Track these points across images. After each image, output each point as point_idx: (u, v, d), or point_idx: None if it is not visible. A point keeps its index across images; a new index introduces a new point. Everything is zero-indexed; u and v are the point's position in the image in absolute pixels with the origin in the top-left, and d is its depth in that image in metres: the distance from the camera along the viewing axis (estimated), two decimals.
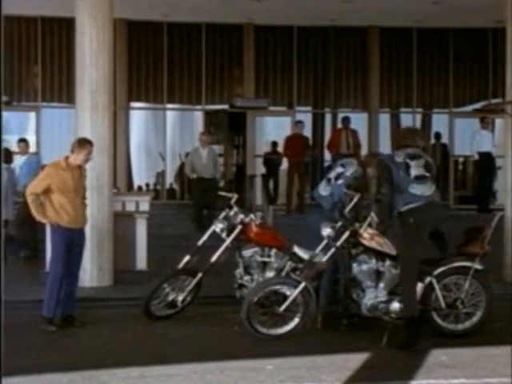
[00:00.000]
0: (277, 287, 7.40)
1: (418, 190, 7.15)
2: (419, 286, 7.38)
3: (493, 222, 7.69)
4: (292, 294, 7.29)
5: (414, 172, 7.18)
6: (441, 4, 14.76)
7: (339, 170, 8.33)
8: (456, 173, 17.99)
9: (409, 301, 7.18)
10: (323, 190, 8.34)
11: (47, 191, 7.80)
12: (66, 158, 7.95)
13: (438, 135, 17.71)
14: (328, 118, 18.31)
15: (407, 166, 7.18)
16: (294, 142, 15.23)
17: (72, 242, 7.91)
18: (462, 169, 18.26)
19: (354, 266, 7.40)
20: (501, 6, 11.00)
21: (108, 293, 9.75)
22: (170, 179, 17.78)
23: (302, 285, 7.30)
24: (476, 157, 15.91)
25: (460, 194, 17.72)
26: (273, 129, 18.38)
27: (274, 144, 17.24)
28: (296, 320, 7.36)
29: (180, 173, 17.11)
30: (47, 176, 7.90)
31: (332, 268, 7.68)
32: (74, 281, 8.10)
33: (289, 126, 17.49)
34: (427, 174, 7.26)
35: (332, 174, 8.37)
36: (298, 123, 15.83)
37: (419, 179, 7.18)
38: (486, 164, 15.29)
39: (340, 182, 8.21)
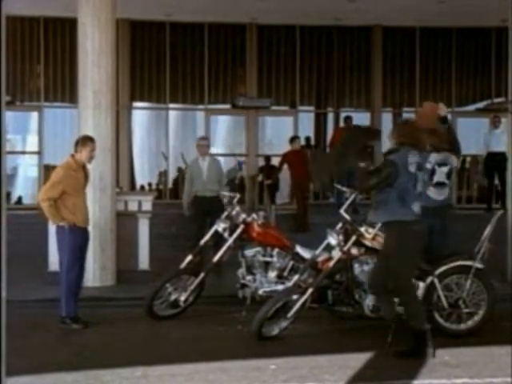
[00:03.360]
0: (287, 299, 7.39)
1: None
2: (421, 286, 7.39)
3: (492, 221, 7.69)
4: (299, 300, 7.27)
5: None
6: (445, 3, 14.74)
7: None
8: (461, 172, 18.00)
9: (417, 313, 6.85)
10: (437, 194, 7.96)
11: (61, 194, 7.79)
12: (73, 157, 7.99)
13: None
14: (331, 117, 18.31)
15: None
16: (293, 158, 14.16)
17: (86, 241, 8.04)
18: (468, 168, 18.25)
19: (356, 266, 7.40)
20: (504, 6, 10.99)
21: (111, 292, 9.76)
22: (172, 179, 17.78)
23: (309, 291, 7.29)
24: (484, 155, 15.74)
25: (464, 194, 17.74)
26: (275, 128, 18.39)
27: (268, 158, 17.17)
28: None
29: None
30: (63, 178, 7.85)
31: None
32: (82, 279, 8.20)
33: (291, 125, 17.53)
34: None
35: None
36: (295, 139, 14.61)
37: None
38: (500, 163, 14.77)
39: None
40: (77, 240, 7.87)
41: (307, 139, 17.33)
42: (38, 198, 7.94)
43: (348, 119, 15.61)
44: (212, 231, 8.63)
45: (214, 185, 11.05)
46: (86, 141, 8.05)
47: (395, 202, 6.62)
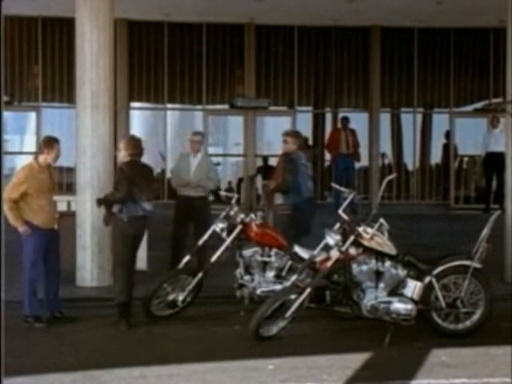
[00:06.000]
0: (285, 298, 7.39)
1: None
2: (418, 286, 7.40)
3: (489, 221, 7.70)
4: (297, 300, 7.27)
5: None
6: (444, 4, 14.75)
7: None
8: (460, 172, 18.02)
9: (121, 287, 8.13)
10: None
11: (24, 195, 7.83)
12: (36, 159, 8.07)
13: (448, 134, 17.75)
14: (329, 117, 18.30)
15: None
16: None
17: (50, 241, 8.04)
18: (466, 168, 18.27)
19: (354, 266, 7.39)
20: (503, 6, 11.00)
21: (108, 292, 9.73)
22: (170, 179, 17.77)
23: (307, 291, 7.29)
24: (483, 156, 15.75)
25: (461, 194, 17.77)
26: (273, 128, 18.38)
27: (265, 159, 17.16)
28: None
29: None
30: (25, 180, 7.90)
31: None
32: (58, 278, 8.23)
33: (289, 125, 17.52)
34: None
35: None
36: None
37: None
38: (498, 163, 14.62)
39: None
40: (40, 240, 7.91)
41: (304, 140, 17.33)
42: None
43: (344, 120, 15.63)
44: (210, 231, 8.62)
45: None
46: (51, 143, 8.12)
47: (130, 201, 8.06)
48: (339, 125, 16.11)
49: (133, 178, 8.07)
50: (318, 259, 7.99)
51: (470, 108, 18.35)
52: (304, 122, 17.84)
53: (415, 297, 7.39)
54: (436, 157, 18.34)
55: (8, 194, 7.81)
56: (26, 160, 17.32)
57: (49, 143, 8.09)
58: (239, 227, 8.40)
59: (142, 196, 8.10)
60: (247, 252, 8.41)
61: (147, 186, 8.22)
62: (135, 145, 8.31)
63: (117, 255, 8.41)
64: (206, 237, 8.63)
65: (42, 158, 8.03)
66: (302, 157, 9.71)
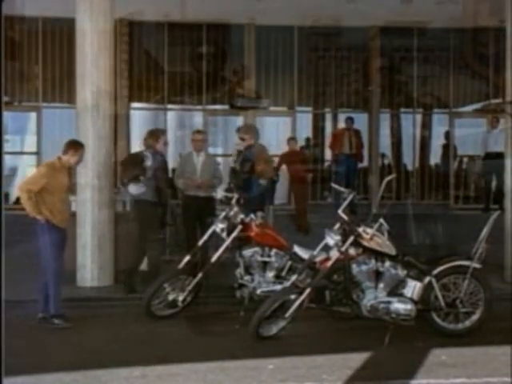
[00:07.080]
0: (285, 298, 7.40)
1: None
2: (418, 286, 7.41)
3: (489, 221, 7.71)
4: (297, 300, 7.28)
5: None
6: (443, 4, 14.76)
7: None
8: (459, 172, 18.04)
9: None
10: None
11: (41, 190, 7.89)
12: (59, 159, 8.13)
13: (447, 135, 17.75)
14: (329, 117, 18.31)
15: None
16: (291, 159, 14.30)
17: (64, 240, 8.10)
18: (465, 168, 18.29)
19: (354, 266, 7.41)
20: (502, 6, 11.01)
21: (109, 292, 9.76)
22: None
23: (307, 291, 7.31)
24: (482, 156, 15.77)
25: (460, 194, 17.79)
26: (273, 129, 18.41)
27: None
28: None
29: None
30: (45, 175, 8.00)
31: None
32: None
33: (289, 126, 17.55)
34: None
35: None
36: (291, 140, 14.82)
37: None
38: (498, 163, 14.53)
39: None
40: (56, 238, 7.97)
41: (307, 140, 17.40)
42: (18, 189, 7.96)
43: (349, 120, 15.64)
44: (210, 231, 8.63)
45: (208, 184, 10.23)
46: (78, 147, 8.24)
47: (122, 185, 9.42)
48: (342, 125, 16.13)
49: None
50: (317, 259, 8.00)
51: (469, 108, 18.36)
52: (304, 122, 17.85)
53: (415, 297, 7.40)
54: (436, 157, 18.34)
55: (28, 185, 7.91)
56: (27, 160, 17.44)
57: (75, 146, 8.21)
58: (239, 227, 8.41)
59: (124, 180, 9.23)
60: (247, 252, 8.42)
61: (125, 169, 9.27)
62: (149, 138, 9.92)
63: None
64: (205, 237, 8.64)
65: (65, 158, 8.12)
66: (253, 154, 9.95)
